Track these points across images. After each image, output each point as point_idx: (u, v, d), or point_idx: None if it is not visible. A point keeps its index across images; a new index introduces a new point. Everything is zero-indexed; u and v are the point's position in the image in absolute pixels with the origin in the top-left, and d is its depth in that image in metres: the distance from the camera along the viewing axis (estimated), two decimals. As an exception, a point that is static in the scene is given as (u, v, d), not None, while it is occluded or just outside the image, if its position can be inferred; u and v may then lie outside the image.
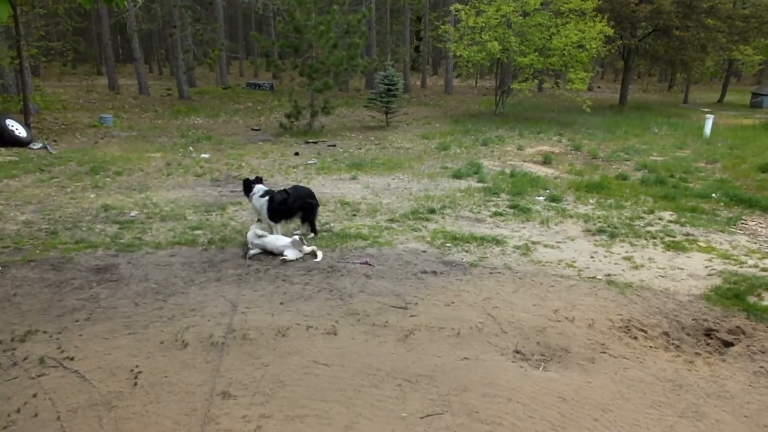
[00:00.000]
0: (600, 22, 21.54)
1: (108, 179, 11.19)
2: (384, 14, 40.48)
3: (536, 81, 25.57)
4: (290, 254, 6.96)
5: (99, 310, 5.56)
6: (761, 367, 5.01)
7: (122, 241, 7.55)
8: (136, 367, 4.56)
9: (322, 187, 10.74)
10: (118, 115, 20.61)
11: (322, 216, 8.71)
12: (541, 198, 10.18)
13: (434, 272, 6.75)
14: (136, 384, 4.33)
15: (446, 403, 4.27)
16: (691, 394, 4.56)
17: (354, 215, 9.04)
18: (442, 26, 26.09)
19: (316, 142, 16.18)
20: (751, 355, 5.21)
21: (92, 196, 9.87)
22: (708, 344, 5.48)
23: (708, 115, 18.78)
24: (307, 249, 7.17)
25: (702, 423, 4.20)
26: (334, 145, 15.82)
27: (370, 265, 6.90)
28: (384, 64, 22.51)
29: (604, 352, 5.14)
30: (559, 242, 7.97)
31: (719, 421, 4.23)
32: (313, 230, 7.95)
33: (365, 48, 30.02)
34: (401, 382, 4.52)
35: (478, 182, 11.28)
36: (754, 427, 4.17)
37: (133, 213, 8.82)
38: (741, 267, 7.21)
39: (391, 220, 8.74)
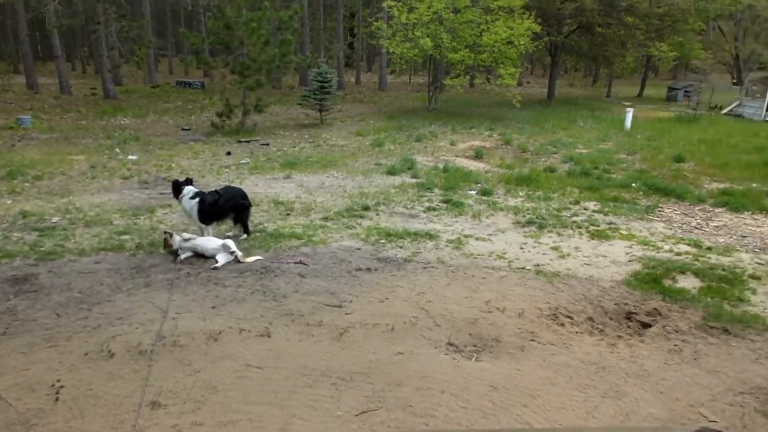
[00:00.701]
0: (528, 19, 22.12)
1: (26, 184, 10.62)
2: (317, 11, 40.20)
3: (468, 77, 26.03)
4: (222, 259, 6.82)
5: (16, 323, 5.29)
6: (675, 345, 5.32)
7: (42, 249, 7.19)
8: (58, 381, 4.36)
9: (255, 186, 10.59)
10: (37, 116, 19.58)
11: (255, 216, 8.59)
12: (473, 192, 10.40)
13: (369, 269, 6.79)
14: (57, 399, 4.15)
15: (381, 398, 4.31)
16: (613, 375, 4.79)
17: (288, 214, 8.96)
18: (375, 23, 26.16)
19: (248, 141, 15.92)
20: (667, 334, 5.52)
21: (8, 202, 9.35)
22: (629, 327, 5.77)
23: (628, 109, 19.68)
24: (245, 257, 7.00)
25: (622, 401, 4.42)
26: (268, 144, 15.61)
27: (305, 264, 6.86)
28: (317, 61, 22.37)
29: (534, 340, 5.32)
30: (491, 235, 8.18)
31: (638, 398, 4.47)
32: (246, 231, 7.83)
33: (298, 45, 29.70)
34: (336, 380, 4.53)
35: (411, 178, 11.41)
36: (668, 401, 4.43)
37: (54, 219, 8.42)
38: (658, 252, 7.62)
39: (326, 219, 8.72)
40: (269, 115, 21.07)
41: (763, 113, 23.47)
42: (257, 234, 7.92)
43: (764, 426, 4.21)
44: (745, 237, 8.49)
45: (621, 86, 38.99)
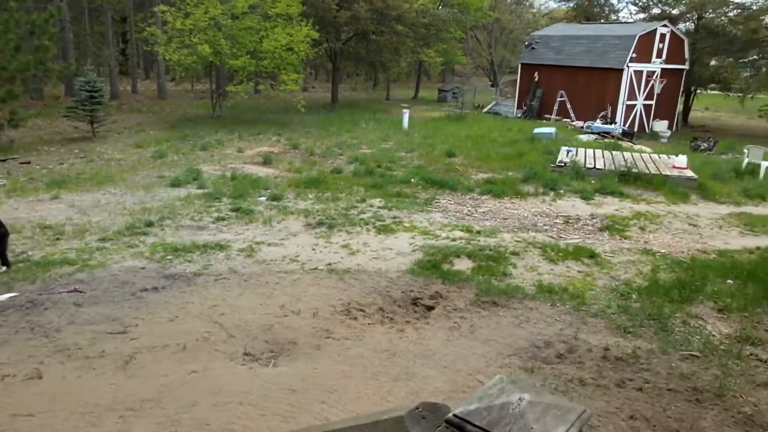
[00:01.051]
0: (306, 26, 22.58)
1: None
2: (81, 14, 36.46)
3: (252, 83, 25.79)
4: (-27, 295, 5.90)
5: None
6: (455, 322, 5.88)
7: None
8: None
9: (14, 211, 9.31)
10: None
11: (16, 245, 7.56)
12: (263, 198, 10.35)
13: (155, 288, 6.40)
14: None
15: (175, 422, 4.10)
16: (403, 359, 5.14)
17: (58, 239, 8.04)
18: (147, 28, 24.56)
19: (4, 160, 13.92)
20: (447, 314, 6.08)
21: None
22: (415, 311, 6.23)
23: (405, 110, 21.16)
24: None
25: (412, 382, 4.77)
26: (29, 162, 13.82)
27: (80, 291, 6.23)
28: (84, 69, 20.34)
29: (329, 337, 5.48)
30: (283, 239, 8.22)
31: (425, 376, 4.85)
32: (5, 263, 6.87)
33: (61, 51, 26.74)
34: (123, 412, 4.20)
35: (198, 189, 10.97)
36: (451, 374, 4.89)
37: None
38: (437, 240, 8.34)
39: (104, 239, 8.00)
40: (30, 130, 18.66)
41: (515, 111, 26.95)
42: (20, 264, 6.99)
43: (527, 381, 4.85)
44: (506, 219, 9.68)
45: (399, 89, 41.71)
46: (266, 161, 13.77)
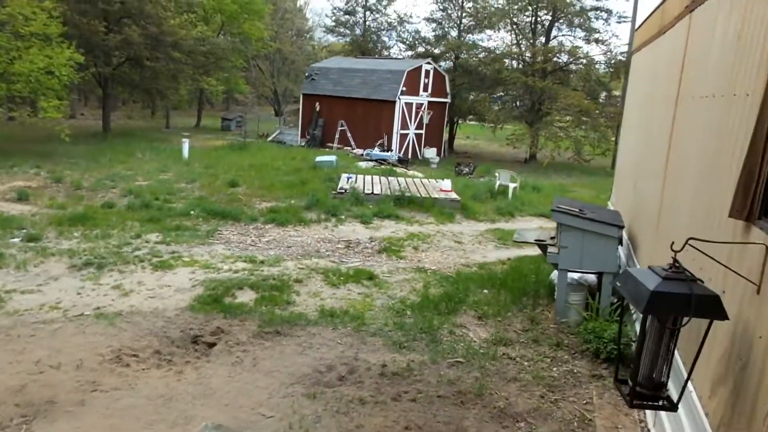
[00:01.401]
0: (68, 48, 20.59)
1: None
2: None
3: (2, 109, 22.65)
4: None
5: None
6: (237, 357, 5.77)
7: None
8: None
9: None
10: None
11: None
12: (17, 240, 9.11)
13: None
14: None
15: None
16: (181, 402, 4.89)
17: None
18: None
19: None
20: (229, 349, 5.94)
21: None
22: (196, 350, 5.98)
23: (184, 139, 20.34)
24: None
25: (191, 426, 4.55)
26: None
27: None
28: None
29: (95, 390, 5.00)
30: (41, 285, 7.32)
31: (205, 417, 4.66)
32: None
33: None
34: None
35: (-71, 233, 9.28)
36: (233, 411, 4.78)
37: None
38: (218, 273, 8.12)
39: None
40: None
41: (299, 140, 27.54)
42: None
43: (310, 407, 4.94)
44: (290, 247, 9.80)
45: (180, 117, 39.92)
46: (21, 197, 12.16)
